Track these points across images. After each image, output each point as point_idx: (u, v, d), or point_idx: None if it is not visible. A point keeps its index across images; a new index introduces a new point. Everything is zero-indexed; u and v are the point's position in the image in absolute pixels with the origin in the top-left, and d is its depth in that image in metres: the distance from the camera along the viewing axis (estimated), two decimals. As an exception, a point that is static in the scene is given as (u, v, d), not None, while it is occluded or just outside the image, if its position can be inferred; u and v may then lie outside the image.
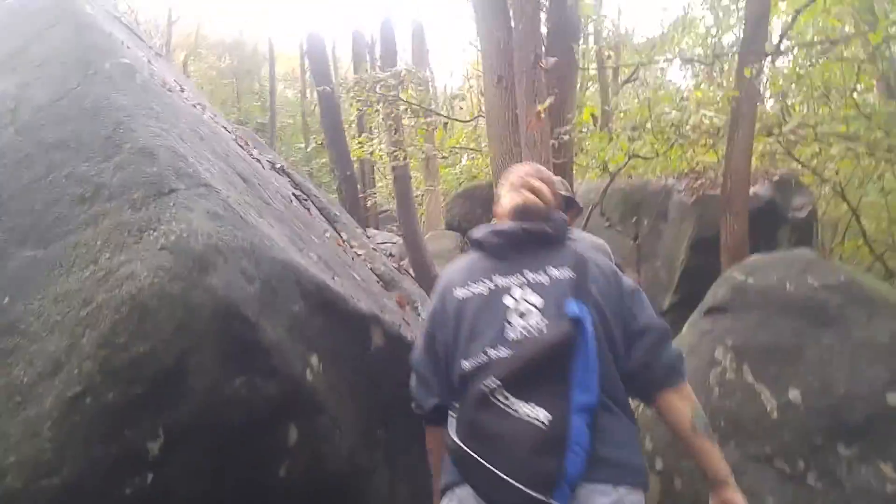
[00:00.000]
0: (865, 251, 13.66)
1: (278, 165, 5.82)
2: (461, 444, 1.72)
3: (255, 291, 2.34)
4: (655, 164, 11.62)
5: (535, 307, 1.85)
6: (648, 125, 8.39)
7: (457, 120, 10.36)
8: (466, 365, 1.87)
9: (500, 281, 1.94)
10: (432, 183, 20.13)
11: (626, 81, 17.02)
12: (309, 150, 10.27)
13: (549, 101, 5.21)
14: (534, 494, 1.57)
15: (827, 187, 11.96)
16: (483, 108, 10.24)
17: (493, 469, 1.61)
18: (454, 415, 1.88)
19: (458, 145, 10.45)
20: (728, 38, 18.90)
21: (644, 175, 12.90)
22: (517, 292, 1.89)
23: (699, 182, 10.76)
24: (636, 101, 14.92)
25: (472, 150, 11.18)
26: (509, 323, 1.84)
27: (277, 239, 2.79)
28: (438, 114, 10.53)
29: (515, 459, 1.61)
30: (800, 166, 10.66)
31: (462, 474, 1.76)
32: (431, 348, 2.06)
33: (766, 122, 7.68)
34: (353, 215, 8.88)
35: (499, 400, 1.69)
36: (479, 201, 16.11)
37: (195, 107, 3.87)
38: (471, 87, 13.72)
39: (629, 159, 11.03)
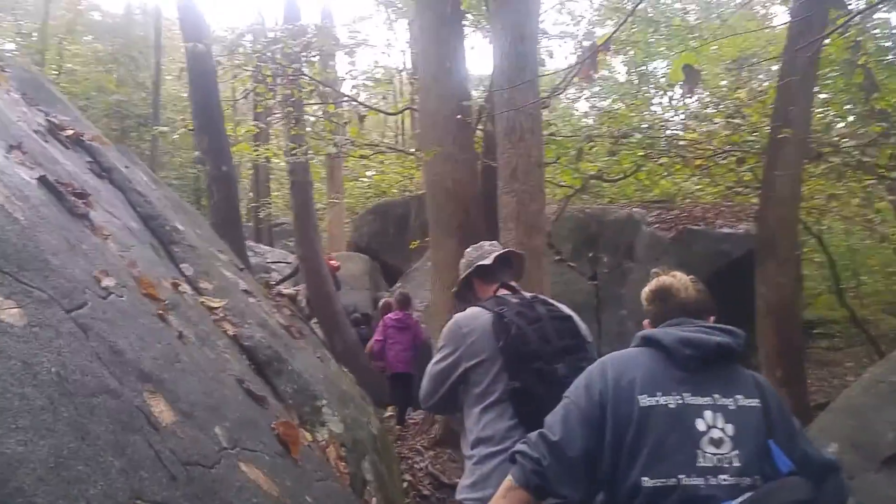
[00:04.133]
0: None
1: (68, 134, 3.14)
2: None
3: None
4: (616, 187, 9.64)
5: (728, 436, 1.73)
6: (637, 136, 6.24)
7: (379, 111, 7.88)
8: (648, 482, 1.70)
9: (691, 399, 1.77)
10: (336, 196, 17.44)
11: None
12: (175, 137, 7.46)
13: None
14: None
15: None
16: (417, 100, 7.85)
17: None
18: None
19: (377, 143, 7.93)
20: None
21: (594, 201, 10.91)
22: (708, 416, 1.74)
23: (675, 213, 8.78)
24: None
25: (397, 150, 8.65)
26: (701, 450, 1.70)
27: None
28: (357, 101, 7.94)
29: None
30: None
31: None
32: (591, 438, 1.76)
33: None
34: (228, 229, 6.17)
35: None
36: (392, 220, 13.69)
37: None
38: (399, 72, 11.16)
39: (588, 180, 8.96)
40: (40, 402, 1.25)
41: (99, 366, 1.39)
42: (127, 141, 24.02)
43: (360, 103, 7.88)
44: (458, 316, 2.57)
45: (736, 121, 5.71)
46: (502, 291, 2.60)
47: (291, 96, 7.87)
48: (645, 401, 1.77)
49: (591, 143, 6.84)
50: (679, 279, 2.04)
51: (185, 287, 2.73)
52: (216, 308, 2.92)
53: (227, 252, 4.11)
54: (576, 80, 4.19)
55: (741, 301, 6.90)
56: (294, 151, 8.20)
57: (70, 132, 3.12)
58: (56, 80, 23.08)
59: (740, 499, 1.62)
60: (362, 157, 8.10)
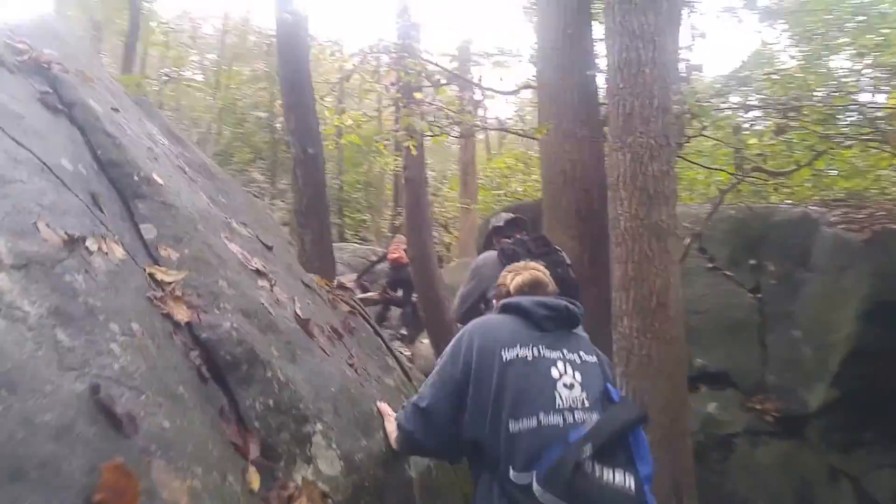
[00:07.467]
0: None
1: (22, 59, 2.49)
2: (560, 500, 1.88)
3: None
4: (786, 182, 7.93)
5: (577, 382, 2.11)
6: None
7: (496, 91, 6.93)
8: (514, 426, 1.99)
9: (546, 352, 2.14)
10: (468, 202, 16.73)
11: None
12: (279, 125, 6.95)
13: None
14: None
15: None
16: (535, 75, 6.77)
17: None
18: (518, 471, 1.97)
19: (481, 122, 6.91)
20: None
21: (756, 200, 9.20)
22: (560, 366, 2.12)
23: (868, 211, 6.98)
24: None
25: (508, 130, 7.50)
26: (558, 392, 2.05)
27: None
28: (469, 81, 7.01)
29: None
30: None
31: None
32: (454, 396, 2.15)
33: None
34: (312, 217, 5.46)
35: (592, 468, 1.87)
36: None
37: None
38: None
39: (744, 175, 7.41)
40: None
41: None
42: (278, 152, 25.05)
43: (472, 83, 6.97)
44: (477, 258, 4.09)
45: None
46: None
47: (399, 80, 7.13)
48: (507, 354, 2.11)
49: (751, 120, 5.43)
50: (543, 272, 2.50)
51: (111, 247, 1.90)
52: (169, 282, 2.07)
53: (257, 229, 3.29)
54: None
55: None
56: (405, 141, 7.42)
57: (25, 57, 2.44)
58: (220, 99, 24.65)
59: (593, 423, 2.01)
60: (458, 137, 7.15)
